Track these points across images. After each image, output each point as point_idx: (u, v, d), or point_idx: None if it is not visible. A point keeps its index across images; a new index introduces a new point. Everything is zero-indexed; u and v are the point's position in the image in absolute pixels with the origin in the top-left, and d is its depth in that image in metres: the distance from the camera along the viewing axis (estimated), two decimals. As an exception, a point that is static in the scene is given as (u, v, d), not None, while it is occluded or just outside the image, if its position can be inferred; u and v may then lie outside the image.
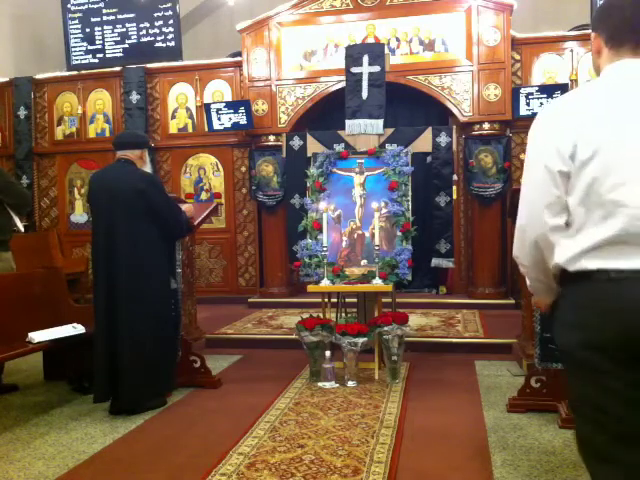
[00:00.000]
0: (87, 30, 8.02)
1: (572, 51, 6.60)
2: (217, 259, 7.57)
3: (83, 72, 7.96)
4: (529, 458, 2.82)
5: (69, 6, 8.04)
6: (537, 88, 6.39)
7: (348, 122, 4.89)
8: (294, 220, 5.05)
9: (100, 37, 8.00)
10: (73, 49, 8.08)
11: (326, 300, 4.39)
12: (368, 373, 4.21)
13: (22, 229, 4.38)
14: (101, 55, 8.02)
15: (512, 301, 6.35)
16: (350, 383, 4.00)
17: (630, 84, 1.53)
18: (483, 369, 4.41)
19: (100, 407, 3.66)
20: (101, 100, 7.83)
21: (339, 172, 4.76)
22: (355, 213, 4.66)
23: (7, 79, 7.99)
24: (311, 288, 4.35)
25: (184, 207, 3.96)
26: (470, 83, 6.58)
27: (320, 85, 6.94)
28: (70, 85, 7.91)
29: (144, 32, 7.86)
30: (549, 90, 6.33)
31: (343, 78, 5.35)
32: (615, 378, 1.45)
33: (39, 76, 7.96)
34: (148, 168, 3.86)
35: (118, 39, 7.95)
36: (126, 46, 7.93)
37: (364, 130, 4.83)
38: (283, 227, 6.72)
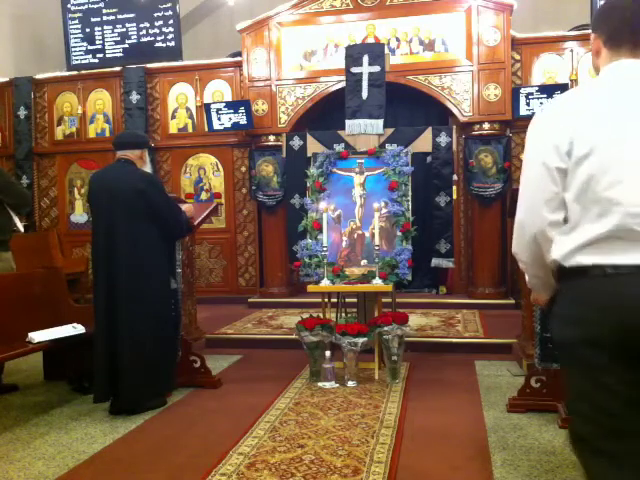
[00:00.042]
0: (87, 30, 8.02)
1: (572, 51, 6.60)
2: (217, 259, 7.57)
3: (83, 72, 7.96)
4: (529, 458, 2.82)
5: (69, 6, 8.05)
6: (537, 88, 6.39)
7: (348, 122, 4.89)
8: (294, 220, 5.05)
9: (100, 37, 8.00)
10: (73, 49, 8.08)
11: (326, 300, 4.39)
12: (368, 373, 4.21)
13: (22, 229, 4.38)
14: (101, 55, 8.02)
15: (512, 301, 6.34)
16: (350, 383, 4.00)
17: (628, 84, 1.55)
18: (483, 369, 4.41)
19: (100, 407, 3.66)
20: (101, 100, 7.83)
21: (339, 172, 4.76)
22: (355, 213, 4.66)
23: (7, 79, 7.99)
24: (311, 288, 4.35)
25: (184, 207, 3.96)
26: (470, 83, 6.58)
27: (320, 85, 6.94)
28: (70, 85, 7.91)
29: (144, 32, 7.86)
30: (549, 90, 6.33)
31: (343, 78, 5.35)
32: (610, 373, 1.47)
33: (39, 76, 7.96)
34: (148, 168, 3.86)
35: (118, 39, 7.95)
36: (126, 46, 7.93)
37: (364, 130, 4.83)
38: (283, 227, 6.72)
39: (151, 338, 3.59)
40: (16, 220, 4.19)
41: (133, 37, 7.90)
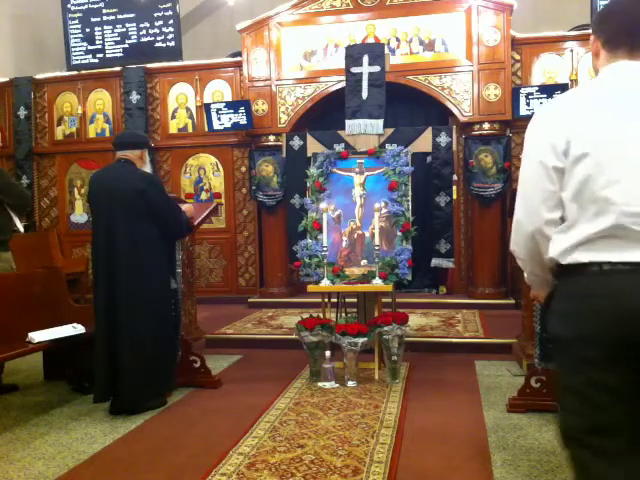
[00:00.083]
0: (87, 30, 8.03)
1: (572, 51, 6.60)
2: (217, 259, 7.57)
3: (83, 72, 7.96)
4: (529, 458, 2.82)
5: (69, 6, 8.05)
6: (537, 88, 6.39)
7: (348, 122, 4.89)
8: (294, 220, 5.05)
9: (100, 37, 8.00)
10: (73, 49, 8.08)
11: (326, 300, 4.39)
12: (368, 373, 4.21)
13: (22, 229, 4.38)
14: (101, 55, 8.02)
15: (512, 301, 6.34)
16: (350, 383, 4.00)
17: (625, 84, 1.57)
18: (483, 369, 4.41)
19: (100, 407, 3.66)
20: (101, 100, 7.83)
21: (339, 172, 4.76)
22: (355, 213, 4.66)
23: (7, 79, 7.99)
24: (311, 288, 4.35)
25: (184, 207, 3.96)
26: (470, 83, 6.58)
27: (320, 85, 6.94)
28: (70, 85, 7.91)
29: (144, 32, 7.86)
30: (549, 90, 6.33)
31: (343, 78, 5.35)
32: (604, 370, 1.49)
33: (39, 76, 7.96)
34: (148, 168, 3.86)
35: (118, 39, 7.95)
36: (126, 46, 7.93)
37: (364, 130, 4.83)
38: (283, 227, 6.72)
39: (151, 338, 3.59)
40: (16, 220, 4.19)
41: (133, 37, 7.91)
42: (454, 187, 5.80)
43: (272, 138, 7.03)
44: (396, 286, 4.51)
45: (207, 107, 7.11)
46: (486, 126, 6.58)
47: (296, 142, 5.32)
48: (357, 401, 3.68)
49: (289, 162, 5.56)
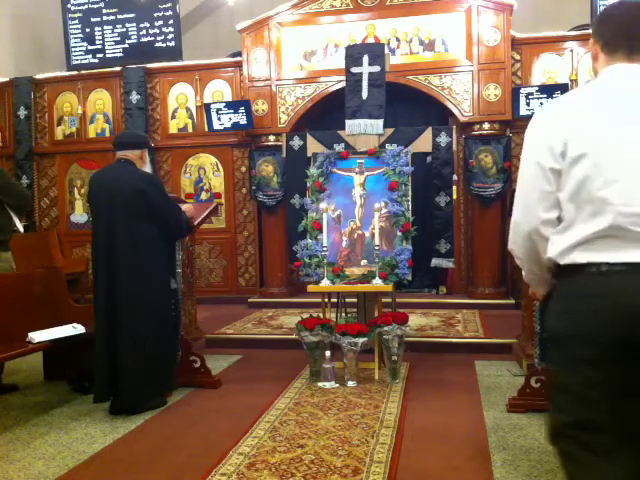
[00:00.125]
0: (87, 30, 8.02)
1: (572, 51, 6.60)
2: (217, 259, 7.57)
3: (83, 72, 7.96)
4: (529, 458, 2.82)
5: (69, 6, 8.05)
6: (537, 88, 6.39)
7: (348, 122, 4.89)
8: (294, 220, 5.05)
9: (100, 37, 8.00)
10: (73, 49, 8.08)
11: (326, 300, 4.39)
12: (368, 373, 4.21)
13: (22, 229, 4.38)
14: (101, 55, 8.02)
15: (512, 301, 6.34)
16: (350, 383, 4.00)
17: (622, 87, 1.60)
18: (483, 369, 4.41)
19: (100, 407, 3.66)
20: (101, 100, 7.83)
21: (339, 172, 4.76)
22: (355, 213, 4.66)
23: (7, 79, 7.99)
24: (311, 288, 4.35)
25: (184, 207, 3.96)
26: (470, 83, 6.58)
27: (320, 85, 6.94)
28: (70, 85, 7.91)
29: (144, 32, 7.86)
30: (549, 90, 6.33)
31: (343, 78, 5.35)
32: (599, 369, 1.51)
33: (39, 76, 7.96)
34: (148, 168, 3.86)
35: (118, 39, 7.95)
36: (126, 46, 7.93)
37: (364, 130, 4.83)
38: (283, 227, 6.72)
39: (151, 338, 3.59)
40: (16, 220, 4.19)
41: (133, 37, 7.90)
42: (454, 187, 5.80)
43: (272, 138, 7.03)
44: (396, 286, 4.51)
45: (207, 107, 7.11)
46: (486, 126, 6.58)
47: (296, 142, 5.32)
48: (357, 401, 3.68)
49: (289, 162, 5.56)
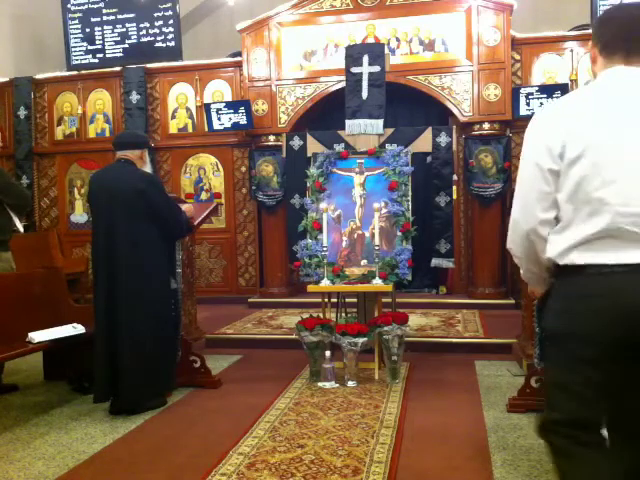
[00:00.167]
0: (87, 30, 8.02)
1: (572, 51, 6.60)
2: (217, 259, 7.57)
3: (83, 72, 7.96)
4: (529, 458, 2.82)
5: (69, 6, 8.05)
6: (537, 88, 6.39)
7: (348, 122, 4.89)
8: (294, 220, 5.04)
9: (100, 37, 8.00)
10: (73, 49, 8.08)
11: (326, 300, 4.39)
12: (368, 373, 4.21)
13: (22, 229, 4.38)
14: (101, 55, 8.02)
15: (512, 301, 6.34)
16: (350, 383, 4.00)
17: (621, 90, 1.61)
18: (483, 369, 4.41)
19: (100, 407, 3.66)
20: (101, 100, 7.83)
21: (339, 172, 4.76)
22: (355, 213, 4.66)
23: (7, 79, 7.99)
24: (311, 288, 4.35)
25: (184, 207, 3.96)
26: (470, 83, 6.58)
27: (320, 85, 6.94)
28: (70, 85, 7.91)
29: (144, 32, 7.86)
30: (549, 90, 6.33)
31: (343, 78, 5.35)
32: (597, 367, 1.52)
33: (39, 76, 7.96)
34: (148, 168, 3.86)
35: (118, 39, 7.95)
36: (126, 46, 7.93)
37: (364, 130, 4.83)
38: (283, 227, 6.72)
39: (151, 338, 3.59)
40: (16, 220, 4.19)
41: (133, 37, 7.90)
42: (454, 187, 5.80)
43: (272, 138, 7.03)
44: (396, 286, 4.51)
45: (207, 107, 7.11)
46: (486, 126, 6.58)
47: (296, 142, 5.32)
48: (357, 401, 3.68)
49: (289, 162, 5.56)
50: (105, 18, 7.97)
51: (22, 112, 7.89)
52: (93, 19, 8.00)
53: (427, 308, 6.38)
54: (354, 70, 4.92)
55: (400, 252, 4.39)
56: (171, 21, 7.77)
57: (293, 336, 4.38)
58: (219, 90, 7.47)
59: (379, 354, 4.19)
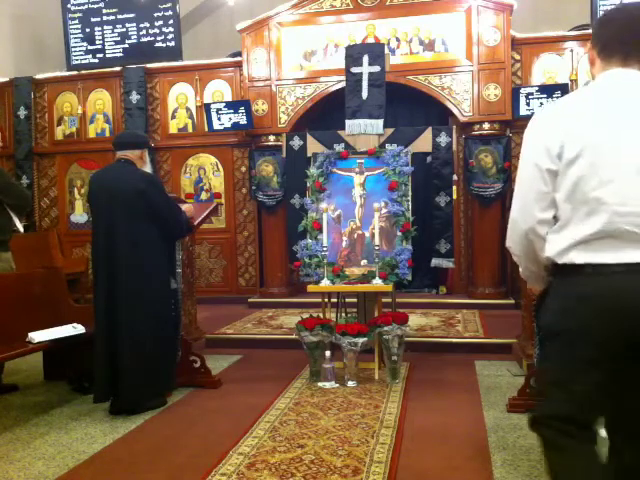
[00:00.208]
0: (87, 30, 8.03)
1: (572, 51, 6.61)
2: (217, 259, 7.57)
3: (83, 72, 7.96)
4: (529, 458, 2.82)
5: (69, 6, 8.05)
6: (537, 88, 6.39)
7: (348, 122, 4.89)
8: (294, 220, 5.05)
9: (100, 37, 8.00)
10: (73, 49, 8.08)
11: (326, 300, 4.39)
12: (368, 373, 4.21)
13: (22, 229, 4.38)
14: (101, 55, 8.02)
15: (512, 301, 6.35)
16: (350, 383, 4.00)
17: (619, 91, 1.62)
18: (483, 369, 4.41)
19: (100, 407, 3.66)
20: (101, 100, 7.83)
21: (339, 172, 4.76)
22: (355, 213, 4.66)
23: (7, 79, 7.99)
24: (311, 288, 4.35)
25: (184, 207, 3.96)
26: (470, 83, 6.58)
27: (320, 85, 6.94)
28: (70, 85, 7.91)
29: (144, 32, 7.86)
30: (549, 90, 6.33)
31: (343, 78, 5.35)
32: (595, 365, 1.53)
33: (39, 76, 7.96)
34: (148, 168, 3.86)
35: (118, 39, 7.95)
36: (126, 46, 7.93)
37: (364, 130, 4.83)
38: (283, 227, 6.72)
39: (151, 338, 3.59)
40: (16, 220, 4.19)
41: (133, 37, 7.90)
42: (454, 187, 5.80)
43: (272, 138, 7.03)
44: (396, 286, 4.51)
45: (207, 107, 7.11)
46: (486, 126, 6.58)
47: (296, 142, 5.32)
48: (357, 401, 3.68)
49: (289, 162, 5.56)
50: (105, 18, 7.97)
51: (22, 112, 7.89)
52: (93, 19, 8.00)
53: (427, 308, 6.38)
54: (354, 70, 4.92)
55: (400, 252, 4.39)
56: (171, 21, 7.77)
57: (293, 336, 4.38)
58: (219, 90, 7.47)
59: (379, 354, 4.19)
